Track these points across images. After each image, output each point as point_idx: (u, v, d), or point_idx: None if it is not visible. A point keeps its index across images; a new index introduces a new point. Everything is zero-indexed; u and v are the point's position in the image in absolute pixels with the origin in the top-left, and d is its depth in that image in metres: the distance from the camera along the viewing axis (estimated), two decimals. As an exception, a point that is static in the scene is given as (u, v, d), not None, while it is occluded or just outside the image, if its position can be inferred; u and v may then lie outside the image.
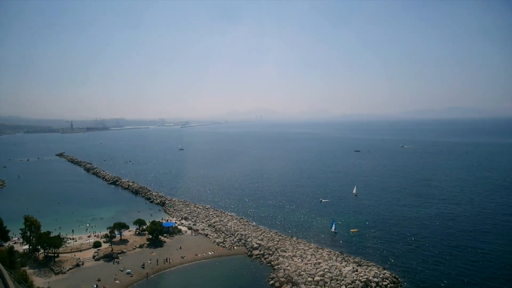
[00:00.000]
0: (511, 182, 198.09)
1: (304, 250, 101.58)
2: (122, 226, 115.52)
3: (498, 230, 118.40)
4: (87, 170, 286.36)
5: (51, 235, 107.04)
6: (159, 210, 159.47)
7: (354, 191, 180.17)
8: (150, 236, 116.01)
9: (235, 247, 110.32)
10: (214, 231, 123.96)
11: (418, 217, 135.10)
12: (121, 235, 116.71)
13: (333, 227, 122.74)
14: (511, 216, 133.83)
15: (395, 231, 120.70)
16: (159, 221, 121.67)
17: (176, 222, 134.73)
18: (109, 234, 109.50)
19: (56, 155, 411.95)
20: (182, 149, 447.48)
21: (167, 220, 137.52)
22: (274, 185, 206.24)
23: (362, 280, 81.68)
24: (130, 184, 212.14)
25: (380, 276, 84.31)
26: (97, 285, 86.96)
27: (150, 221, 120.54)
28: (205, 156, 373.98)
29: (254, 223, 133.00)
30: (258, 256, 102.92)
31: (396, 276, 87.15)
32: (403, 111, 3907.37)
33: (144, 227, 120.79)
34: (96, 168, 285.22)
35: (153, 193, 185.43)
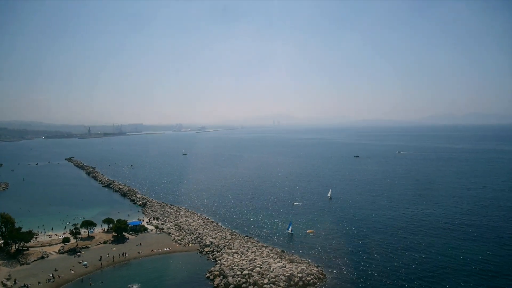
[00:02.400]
0: (492, 190, 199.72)
1: (248, 247, 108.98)
2: (89, 224, 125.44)
3: (449, 239, 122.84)
4: (88, 173, 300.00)
5: (22, 231, 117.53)
6: (138, 211, 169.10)
7: (329, 194, 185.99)
8: (116, 234, 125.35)
9: (190, 245, 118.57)
10: (177, 230, 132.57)
11: (379, 222, 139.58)
12: (89, 232, 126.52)
13: (290, 228, 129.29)
14: (467, 226, 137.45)
15: (349, 235, 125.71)
16: (124, 220, 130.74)
17: (147, 221, 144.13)
18: (74, 231, 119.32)
19: (65, 159, 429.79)
20: (186, 154, 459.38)
21: (141, 220, 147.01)
22: (257, 189, 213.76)
23: (286, 274, 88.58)
24: (121, 187, 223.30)
25: (306, 272, 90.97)
26: (53, 275, 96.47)
27: (116, 220, 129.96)
28: (204, 161, 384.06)
29: (219, 224, 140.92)
30: (208, 252, 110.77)
31: (324, 273, 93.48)
32: (421, 117, 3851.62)
33: (111, 225, 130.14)
34: (96, 172, 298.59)
35: (138, 195, 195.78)
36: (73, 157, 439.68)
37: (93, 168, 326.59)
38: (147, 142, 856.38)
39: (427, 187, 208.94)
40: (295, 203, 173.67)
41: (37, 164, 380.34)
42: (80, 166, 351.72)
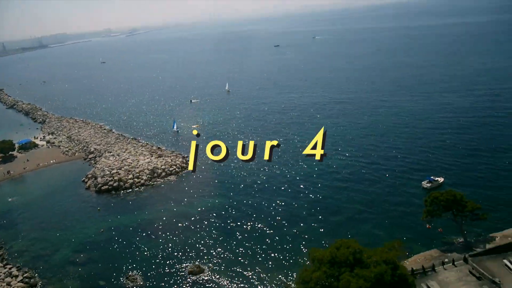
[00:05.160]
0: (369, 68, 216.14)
1: (127, 149, 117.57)
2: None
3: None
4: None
5: None
6: (37, 128, 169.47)
7: (227, 88, 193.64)
8: (3, 154, 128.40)
9: (76, 154, 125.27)
10: (68, 142, 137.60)
11: (264, 110, 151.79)
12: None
13: (175, 127, 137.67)
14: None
15: (229, 125, 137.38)
16: (10, 140, 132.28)
17: (41, 138, 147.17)
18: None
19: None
20: (104, 62, 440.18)
21: (36, 137, 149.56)
22: (158, 91, 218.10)
23: (150, 168, 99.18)
24: (24, 106, 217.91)
25: (170, 163, 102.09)
26: None
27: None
28: (120, 68, 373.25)
29: (112, 130, 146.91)
30: (91, 159, 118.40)
31: (189, 162, 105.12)
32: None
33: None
34: (2, 93, 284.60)
35: (39, 113, 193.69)
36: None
37: (1, 89, 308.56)
38: (67, 53, 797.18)
39: (321, 69, 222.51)
40: (193, 100, 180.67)
41: None
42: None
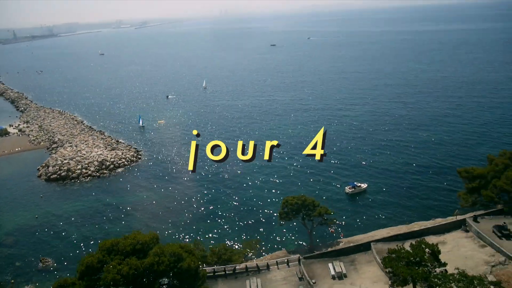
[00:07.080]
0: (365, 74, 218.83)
1: (86, 140, 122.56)
2: None
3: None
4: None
5: None
6: (17, 116, 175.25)
7: (204, 84, 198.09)
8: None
9: (41, 143, 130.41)
10: (38, 131, 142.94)
11: (233, 111, 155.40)
12: None
13: (140, 122, 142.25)
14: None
15: (197, 120, 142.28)
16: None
17: (15, 126, 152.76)
18: None
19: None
20: (103, 54, 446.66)
21: (12, 125, 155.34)
22: (142, 85, 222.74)
23: (99, 160, 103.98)
24: (12, 94, 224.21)
25: (120, 156, 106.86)
26: None
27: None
28: (116, 61, 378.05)
29: (83, 121, 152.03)
30: (54, 148, 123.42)
31: (139, 156, 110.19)
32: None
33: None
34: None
35: (22, 102, 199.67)
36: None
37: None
38: (74, 43, 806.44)
39: (305, 71, 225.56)
40: (169, 96, 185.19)
41: None
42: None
